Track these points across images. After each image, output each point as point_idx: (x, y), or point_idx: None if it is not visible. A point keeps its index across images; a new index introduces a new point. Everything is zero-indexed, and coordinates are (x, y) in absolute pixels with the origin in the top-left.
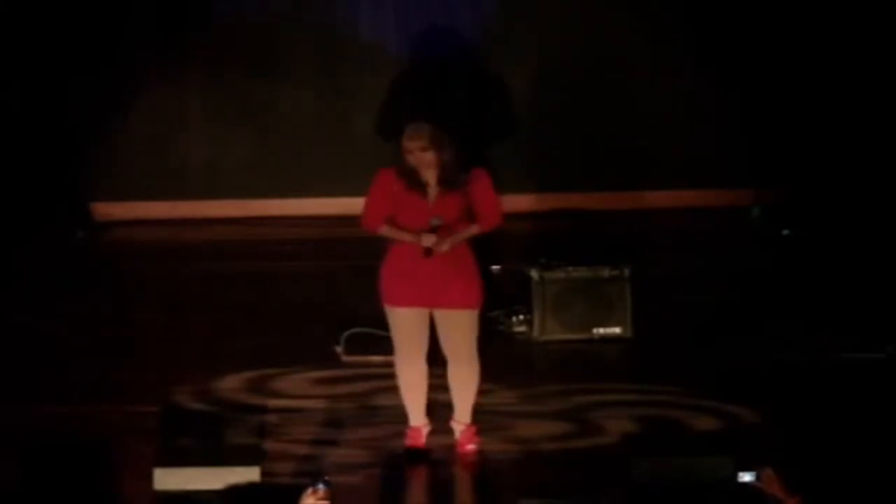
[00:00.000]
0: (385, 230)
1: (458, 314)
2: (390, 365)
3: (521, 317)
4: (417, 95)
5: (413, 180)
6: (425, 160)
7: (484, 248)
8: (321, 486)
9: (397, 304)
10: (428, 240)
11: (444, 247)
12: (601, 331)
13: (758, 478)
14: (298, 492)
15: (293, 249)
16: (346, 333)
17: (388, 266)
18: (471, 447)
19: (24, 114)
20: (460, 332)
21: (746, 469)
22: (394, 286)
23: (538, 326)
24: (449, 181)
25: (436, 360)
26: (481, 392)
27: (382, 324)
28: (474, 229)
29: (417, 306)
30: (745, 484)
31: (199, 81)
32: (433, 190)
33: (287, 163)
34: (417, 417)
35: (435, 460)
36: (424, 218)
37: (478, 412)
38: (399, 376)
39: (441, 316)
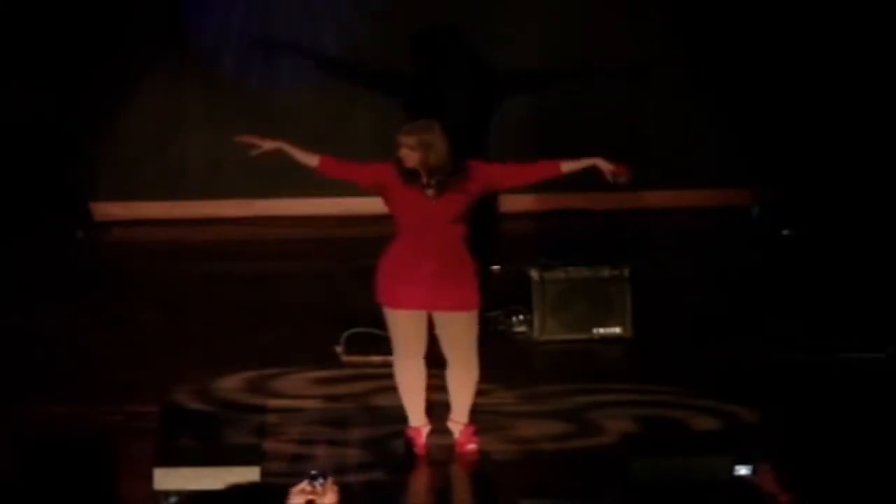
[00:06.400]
0: (315, 163)
1: (456, 317)
2: (390, 365)
3: (521, 317)
4: (418, 95)
5: (409, 175)
6: (410, 158)
7: (484, 248)
8: (317, 483)
9: (395, 306)
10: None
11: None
12: (601, 331)
13: (754, 472)
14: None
15: (293, 249)
16: (346, 333)
17: (385, 266)
18: (471, 447)
19: (23, 114)
20: (459, 334)
21: (744, 463)
22: (392, 288)
23: (538, 326)
24: (438, 184)
25: (435, 360)
26: (481, 392)
27: (382, 324)
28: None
29: (416, 309)
30: (740, 477)
31: (198, 81)
32: (433, 188)
33: (287, 163)
34: (417, 418)
35: (435, 460)
36: (427, 215)
37: (478, 412)
38: (398, 377)
39: (440, 318)
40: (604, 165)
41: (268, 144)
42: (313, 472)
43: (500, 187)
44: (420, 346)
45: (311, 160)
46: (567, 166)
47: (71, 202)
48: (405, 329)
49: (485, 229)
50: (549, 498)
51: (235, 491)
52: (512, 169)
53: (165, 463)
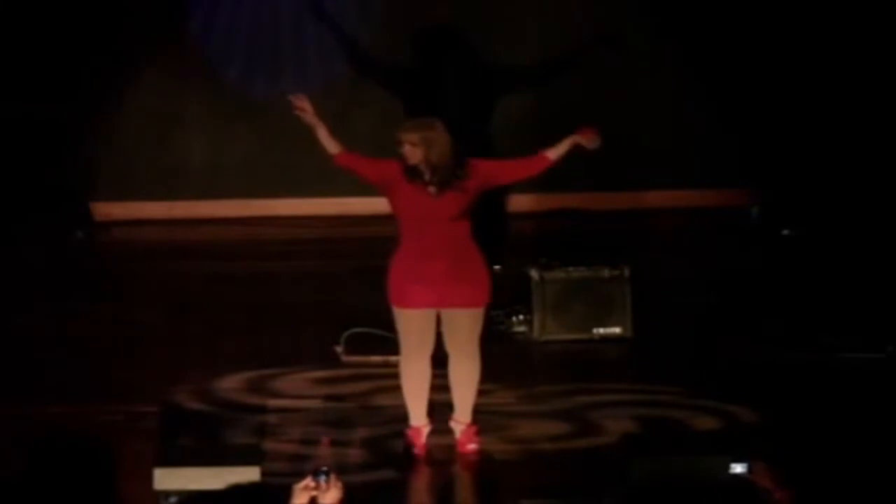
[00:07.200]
0: (336, 151)
1: (465, 312)
2: (390, 365)
3: (521, 317)
4: (418, 94)
5: (411, 173)
6: (413, 155)
7: (484, 248)
8: (321, 479)
9: (407, 306)
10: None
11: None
12: (601, 331)
13: (749, 469)
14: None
15: (293, 249)
16: (346, 333)
17: (396, 267)
18: (471, 447)
19: (23, 113)
20: (466, 329)
21: (739, 461)
22: (402, 288)
23: (538, 326)
24: (440, 181)
25: (436, 360)
26: (481, 392)
27: (382, 324)
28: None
29: (427, 307)
30: (736, 475)
31: (198, 81)
32: (435, 186)
33: (287, 163)
34: (418, 417)
35: (435, 460)
36: (429, 212)
37: (478, 412)
38: (403, 376)
39: (449, 315)
40: (579, 139)
41: (309, 117)
42: (317, 469)
43: (498, 183)
44: (428, 346)
45: (333, 147)
46: (554, 154)
47: (71, 202)
48: (415, 328)
49: (486, 229)
50: (549, 498)
51: (235, 491)
52: (507, 165)
53: (165, 463)
